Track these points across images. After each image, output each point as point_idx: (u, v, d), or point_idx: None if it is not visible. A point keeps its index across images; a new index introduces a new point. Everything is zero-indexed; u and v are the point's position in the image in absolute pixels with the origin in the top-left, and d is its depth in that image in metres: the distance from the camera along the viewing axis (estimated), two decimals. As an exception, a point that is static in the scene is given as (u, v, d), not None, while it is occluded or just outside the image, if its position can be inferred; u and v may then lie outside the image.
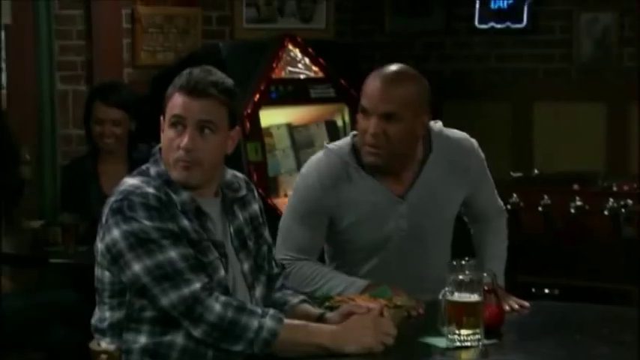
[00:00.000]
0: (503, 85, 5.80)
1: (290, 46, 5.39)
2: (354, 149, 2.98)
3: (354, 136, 3.00)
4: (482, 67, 5.91)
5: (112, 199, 2.48)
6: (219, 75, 2.49)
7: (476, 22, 5.77)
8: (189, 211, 2.49)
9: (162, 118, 2.52)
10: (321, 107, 5.52)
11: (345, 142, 3.03)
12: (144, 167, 2.56)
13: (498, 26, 5.65)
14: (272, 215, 4.34)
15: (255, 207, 2.69)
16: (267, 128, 5.25)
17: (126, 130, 4.44)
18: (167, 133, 2.49)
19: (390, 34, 6.31)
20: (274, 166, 5.24)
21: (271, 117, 5.26)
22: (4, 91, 5.62)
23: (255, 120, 5.11)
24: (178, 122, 2.46)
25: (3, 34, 5.45)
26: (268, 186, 5.12)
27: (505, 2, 5.60)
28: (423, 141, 2.99)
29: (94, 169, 4.43)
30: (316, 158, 3.04)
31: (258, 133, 5.11)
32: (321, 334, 2.43)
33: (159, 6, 5.53)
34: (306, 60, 5.44)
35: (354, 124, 5.49)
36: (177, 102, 2.46)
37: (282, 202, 5.11)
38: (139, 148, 4.39)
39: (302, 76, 5.41)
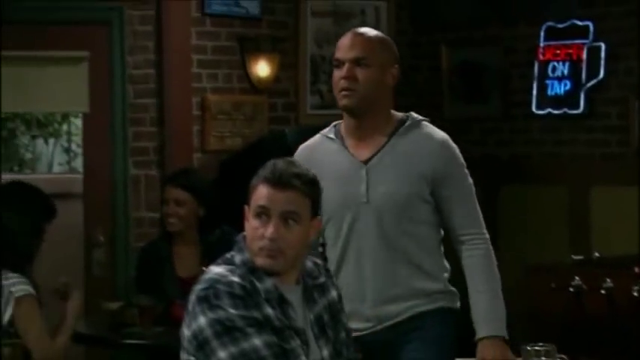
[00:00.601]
0: (561, 169, 5.71)
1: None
2: (335, 127, 3.17)
3: (335, 125, 3.19)
4: (540, 151, 5.85)
5: (199, 287, 2.50)
6: (302, 167, 2.54)
7: (533, 108, 5.72)
8: (272, 299, 2.50)
9: (246, 207, 2.55)
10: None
11: (329, 126, 3.23)
12: (228, 255, 2.58)
13: (555, 112, 5.60)
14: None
15: (334, 293, 2.69)
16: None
17: (191, 213, 4.46)
18: (252, 223, 2.52)
19: (448, 120, 6.29)
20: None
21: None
22: (80, 176, 5.77)
23: (320, 203, 5.14)
24: (263, 212, 2.50)
25: (81, 121, 5.62)
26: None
27: (562, 89, 5.56)
28: (397, 119, 3.14)
29: (169, 252, 4.47)
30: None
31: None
32: None
33: (227, 94, 5.61)
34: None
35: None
36: (262, 193, 2.50)
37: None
38: (213, 233, 4.44)
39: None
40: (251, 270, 2.51)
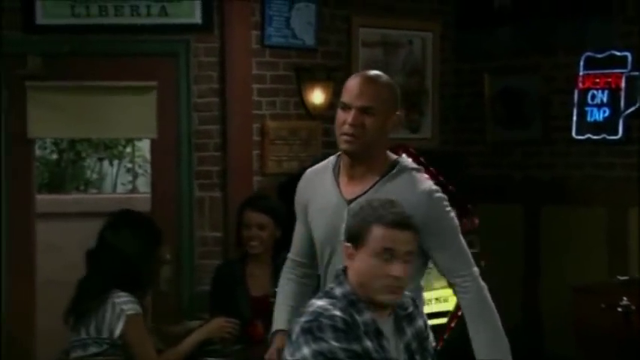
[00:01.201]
0: (599, 192, 5.78)
1: (403, 156, 5.50)
2: (338, 157, 3.14)
3: (339, 154, 3.14)
4: (579, 174, 5.92)
5: (303, 319, 2.58)
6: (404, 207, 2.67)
7: (573, 134, 5.80)
8: (370, 331, 2.58)
9: (350, 245, 2.66)
10: (431, 211, 5.60)
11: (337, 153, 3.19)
12: (328, 288, 2.70)
13: (595, 137, 5.68)
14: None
15: (420, 322, 2.78)
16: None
17: (271, 235, 4.51)
18: (372, 262, 2.60)
19: (490, 144, 6.39)
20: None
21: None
22: (142, 195, 5.88)
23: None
24: (388, 253, 2.59)
25: (144, 144, 5.71)
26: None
27: (601, 115, 5.64)
28: (388, 163, 3.08)
29: (242, 272, 4.52)
30: None
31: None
32: None
33: (284, 120, 5.67)
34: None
35: (460, 226, 5.62)
36: (383, 234, 2.59)
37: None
38: (282, 255, 4.50)
39: (413, 183, 5.52)
40: (351, 303, 2.60)
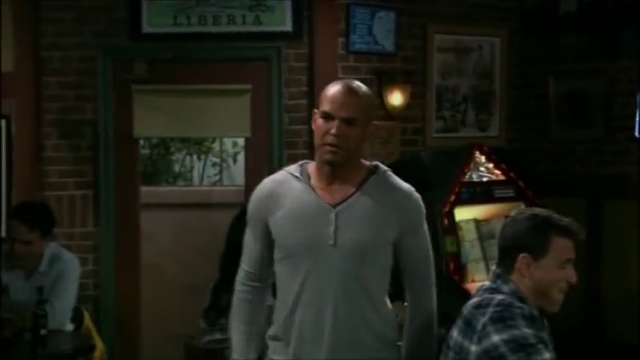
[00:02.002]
0: None
1: (477, 154, 5.62)
2: (302, 167, 2.98)
3: (301, 164, 3.01)
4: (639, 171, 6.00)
5: (491, 309, 2.63)
6: None
7: (635, 133, 5.86)
8: (536, 321, 2.67)
9: (529, 256, 2.71)
10: (502, 205, 5.64)
11: (296, 164, 3.04)
12: (492, 286, 2.76)
13: (657, 137, 5.76)
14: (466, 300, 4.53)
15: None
16: (458, 223, 5.44)
17: None
18: (556, 272, 2.69)
19: (554, 141, 6.46)
20: (464, 255, 5.41)
21: (462, 214, 5.44)
22: (229, 188, 6.03)
23: (451, 217, 5.27)
24: (569, 264, 2.70)
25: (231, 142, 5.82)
26: (461, 273, 5.31)
27: (663, 117, 5.73)
28: (367, 167, 2.97)
29: None
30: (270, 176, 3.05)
31: (453, 228, 5.27)
32: None
33: None
34: (490, 165, 5.67)
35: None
36: (568, 245, 2.69)
37: (472, 287, 5.32)
38: None
39: (485, 179, 5.61)
40: (520, 299, 2.67)
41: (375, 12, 5.75)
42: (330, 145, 2.82)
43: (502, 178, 5.63)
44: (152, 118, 5.53)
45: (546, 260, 2.66)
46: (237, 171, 7.46)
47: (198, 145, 7.71)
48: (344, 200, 2.84)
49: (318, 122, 2.89)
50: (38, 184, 5.49)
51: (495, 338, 2.54)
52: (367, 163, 3.00)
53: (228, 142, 7.74)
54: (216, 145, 7.78)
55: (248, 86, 5.57)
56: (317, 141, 2.88)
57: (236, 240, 4.11)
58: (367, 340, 2.87)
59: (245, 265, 3.03)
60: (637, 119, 5.84)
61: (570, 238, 2.67)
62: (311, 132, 5.50)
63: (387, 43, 5.84)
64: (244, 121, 5.57)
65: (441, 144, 6.05)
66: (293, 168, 2.98)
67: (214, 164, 7.83)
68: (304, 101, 5.59)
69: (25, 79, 5.46)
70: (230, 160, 7.74)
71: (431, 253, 2.98)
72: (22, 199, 5.20)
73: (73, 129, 5.50)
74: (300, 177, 2.91)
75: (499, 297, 2.65)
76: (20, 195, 5.43)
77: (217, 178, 7.80)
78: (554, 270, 2.65)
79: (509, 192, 5.62)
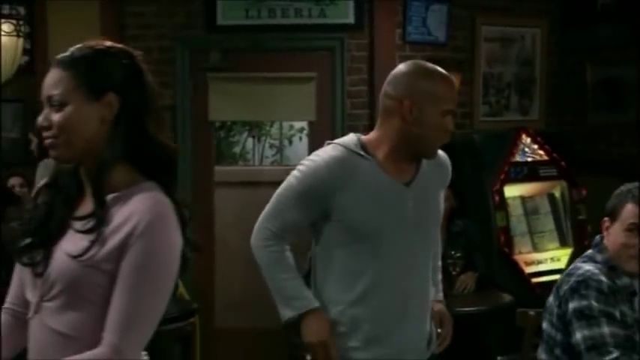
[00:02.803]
0: None
1: (524, 136, 5.80)
2: (360, 142, 2.68)
3: (358, 139, 2.72)
4: (671, 152, 6.13)
5: (574, 279, 2.75)
6: None
7: (668, 117, 6.01)
8: (627, 293, 2.74)
9: (607, 219, 2.82)
10: (546, 184, 5.85)
11: (349, 138, 2.74)
12: (590, 253, 2.85)
13: (689, 121, 5.90)
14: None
15: None
16: (507, 200, 5.61)
17: (450, 205, 4.69)
18: (622, 236, 2.77)
19: (591, 125, 6.60)
20: (512, 229, 5.58)
21: (510, 191, 5.62)
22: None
23: (502, 194, 5.48)
24: (636, 229, 2.75)
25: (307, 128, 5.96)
26: (510, 246, 5.49)
27: (696, 102, 5.87)
28: None
29: None
30: (324, 150, 2.72)
31: (503, 204, 5.47)
32: None
33: None
34: (535, 146, 5.84)
35: (570, 196, 5.87)
36: (634, 212, 2.76)
37: (519, 258, 5.51)
38: (455, 222, 4.70)
39: (530, 159, 5.78)
40: (611, 267, 2.77)
41: (428, 5, 5.89)
42: (443, 140, 2.66)
43: (546, 158, 5.82)
44: (226, 103, 5.72)
45: (617, 224, 2.77)
46: (292, 152, 7.65)
47: (258, 128, 7.89)
48: (412, 179, 2.68)
49: (440, 120, 2.61)
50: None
51: (569, 306, 2.70)
52: None
53: (285, 126, 7.92)
54: (273, 129, 7.96)
55: (313, 74, 5.72)
56: (432, 134, 2.61)
57: None
58: (424, 313, 2.77)
59: (272, 227, 2.69)
60: (669, 104, 5.99)
61: (635, 205, 2.74)
62: (371, 116, 5.81)
63: (440, 34, 5.97)
64: (310, 106, 5.73)
65: (487, 127, 6.20)
66: (352, 144, 2.66)
67: (271, 146, 8.01)
68: (364, 88, 5.74)
69: (110, 67, 5.66)
70: (286, 142, 7.93)
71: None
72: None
73: (154, 114, 5.69)
74: (365, 155, 2.64)
75: (585, 268, 2.76)
76: (106, 173, 5.63)
77: (275, 158, 7.99)
78: (619, 232, 2.76)
79: (552, 171, 5.83)
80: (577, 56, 6.60)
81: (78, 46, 1.97)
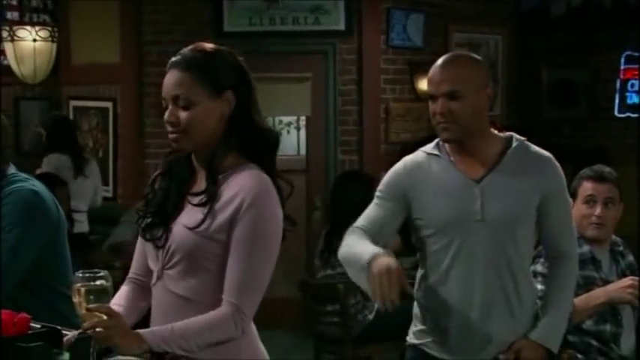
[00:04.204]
0: (633, 154, 6.22)
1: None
2: (438, 144, 2.51)
3: (438, 142, 2.52)
4: (618, 143, 6.42)
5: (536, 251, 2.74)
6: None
7: (615, 112, 6.32)
8: (587, 259, 2.84)
9: (572, 200, 2.79)
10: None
11: (431, 143, 2.55)
12: None
13: (633, 116, 6.21)
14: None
15: (631, 258, 2.98)
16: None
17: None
18: (581, 208, 2.88)
19: (545, 119, 6.89)
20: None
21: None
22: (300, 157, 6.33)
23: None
24: (591, 200, 2.86)
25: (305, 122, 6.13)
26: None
27: (639, 99, 6.19)
28: (502, 139, 2.54)
29: None
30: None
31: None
32: None
33: (402, 103, 6.08)
34: (501, 139, 6.08)
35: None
36: (588, 187, 2.89)
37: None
38: None
39: (497, 150, 6.01)
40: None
41: (408, 14, 6.11)
42: (439, 123, 2.43)
43: (510, 148, 6.06)
44: (232, 101, 5.84)
45: (577, 201, 2.88)
46: (281, 144, 7.74)
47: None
48: (487, 174, 2.44)
49: (429, 105, 2.48)
50: (140, 155, 5.87)
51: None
52: (500, 134, 2.56)
53: (275, 120, 8.04)
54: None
55: (309, 74, 5.91)
56: (433, 124, 2.50)
57: (340, 196, 4.48)
58: (500, 315, 2.46)
59: (359, 223, 2.53)
60: (616, 101, 6.31)
61: (589, 181, 2.87)
62: (360, 112, 6.01)
63: (418, 40, 6.18)
64: (306, 103, 5.93)
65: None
66: (429, 147, 2.52)
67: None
68: (354, 87, 5.93)
69: (129, 69, 5.84)
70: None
71: (571, 217, 2.58)
72: (127, 166, 5.57)
73: (168, 109, 5.85)
74: (440, 154, 2.48)
75: None
76: (124, 163, 5.81)
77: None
78: (578, 205, 2.86)
79: (516, 160, 6.07)
80: (534, 60, 6.91)
81: (188, 48, 2.06)
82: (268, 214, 1.91)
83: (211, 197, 1.92)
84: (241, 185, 1.90)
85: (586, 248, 2.87)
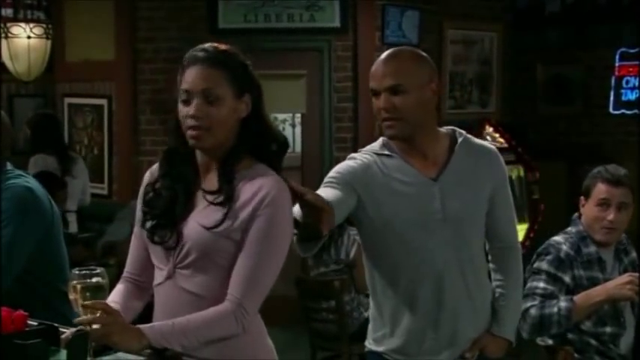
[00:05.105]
0: (628, 151, 6.25)
1: (487, 126, 6.09)
2: (385, 144, 2.42)
3: (384, 142, 2.44)
4: (612, 139, 6.48)
5: (542, 247, 2.89)
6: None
7: (610, 109, 6.35)
8: (592, 260, 2.85)
9: (582, 198, 2.88)
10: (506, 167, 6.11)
11: (374, 143, 2.47)
12: (568, 229, 2.92)
13: (628, 112, 6.24)
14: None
15: (634, 254, 2.99)
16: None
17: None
18: (593, 210, 2.86)
19: (540, 116, 6.93)
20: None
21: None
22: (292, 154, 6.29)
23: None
24: (605, 203, 2.83)
25: (300, 119, 6.11)
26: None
27: (634, 96, 6.21)
28: (446, 134, 2.44)
29: None
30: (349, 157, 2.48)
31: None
32: None
33: None
34: (496, 135, 6.12)
35: (526, 178, 6.17)
36: (602, 189, 2.85)
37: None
38: None
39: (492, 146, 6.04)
40: (582, 238, 2.86)
41: (403, 11, 6.10)
42: (385, 120, 2.35)
43: (505, 145, 6.09)
44: (227, 98, 5.84)
45: (590, 201, 2.85)
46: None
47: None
48: (441, 172, 2.39)
49: (373, 103, 2.38)
50: (134, 151, 5.87)
51: (533, 266, 2.89)
52: (443, 129, 2.47)
53: (271, 117, 8.02)
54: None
55: (304, 71, 5.89)
56: (378, 120, 2.41)
57: None
58: (466, 313, 2.44)
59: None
60: (610, 98, 6.34)
61: (608, 184, 2.80)
62: (355, 108, 6.01)
63: (413, 37, 6.14)
64: (301, 100, 5.92)
65: (453, 118, 6.41)
66: (376, 147, 2.44)
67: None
68: (349, 84, 5.93)
69: (123, 66, 5.83)
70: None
71: (514, 214, 2.54)
72: (122, 164, 5.56)
73: (162, 106, 5.82)
74: (391, 153, 2.40)
75: (554, 238, 2.92)
76: (119, 160, 5.80)
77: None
78: (591, 207, 2.85)
79: (511, 156, 6.05)
80: (528, 56, 6.96)
81: (209, 45, 2.04)
82: (283, 215, 1.92)
83: (229, 197, 1.93)
84: (260, 185, 1.92)
85: (593, 249, 2.87)
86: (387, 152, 2.39)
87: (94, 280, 1.79)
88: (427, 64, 2.39)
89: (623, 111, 6.30)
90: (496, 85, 6.90)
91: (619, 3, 6.40)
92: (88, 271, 1.80)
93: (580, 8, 6.69)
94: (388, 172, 2.37)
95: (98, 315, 1.77)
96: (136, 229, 2.08)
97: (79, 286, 1.78)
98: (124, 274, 2.14)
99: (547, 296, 2.80)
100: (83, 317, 1.78)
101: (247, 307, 1.90)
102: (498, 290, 2.49)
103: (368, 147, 2.46)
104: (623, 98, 6.28)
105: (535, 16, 6.94)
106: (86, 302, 1.77)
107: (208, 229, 1.92)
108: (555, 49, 6.80)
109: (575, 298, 2.74)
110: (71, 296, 1.79)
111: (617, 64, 6.32)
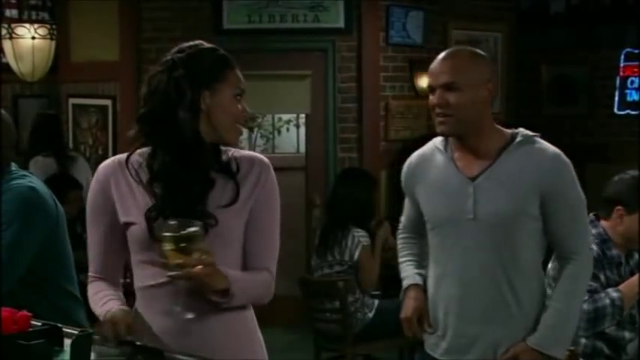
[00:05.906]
0: (632, 153, 6.28)
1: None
2: (446, 140, 2.48)
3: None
4: (617, 140, 6.46)
5: None
6: None
7: (615, 110, 6.33)
8: (614, 263, 2.88)
9: (623, 209, 2.89)
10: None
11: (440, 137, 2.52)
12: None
13: (633, 113, 6.22)
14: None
15: (637, 256, 3.00)
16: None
17: None
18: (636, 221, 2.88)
19: (545, 116, 6.90)
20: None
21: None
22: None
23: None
24: None
25: (304, 120, 6.09)
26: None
27: (639, 96, 6.18)
28: (506, 135, 2.46)
29: None
30: None
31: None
32: None
33: (401, 100, 6.07)
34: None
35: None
36: None
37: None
38: None
39: (496, 147, 6.02)
40: (603, 240, 2.88)
41: (408, 12, 6.10)
42: (437, 115, 2.40)
43: (509, 146, 6.07)
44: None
45: (635, 216, 2.81)
46: (281, 141, 7.84)
47: (251, 121, 8.07)
48: (482, 172, 2.38)
49: (429, 98, 2.46)
50: (139, 152, 5.85)
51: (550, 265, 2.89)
52: (508, 130, 2.49)
53: (275, 118, 8.08)
54: (263, 121, 8.13)
55: (309, 72, 5.89)
56: (432, 117, 2.47)
57: (342, 192, 4.47)
58: (496, 317, 2.41)
59: (404, 219, 2.69)
60: (615, 99, 6.32)
61: None
62: (359, 109, 6.00)
63: (417, 37, 6.16)
64: (306, 100, 5.92)
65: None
66: (439, 141, 2.50)
67: (262, 136, 8.19)
68: (354, 84, 5.93)
69: (128, 66, 5.83)
70: (276, 133, 8.09)
71: (582, 216, 2.47)
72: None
73: (166, 107, 5.84)
74: (444, 150, 2.46)
75: None
76: (124, 161, 5.78)
77: (265, 147, 8.17)
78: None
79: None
80: (533, 56, 6.93)
81: None
82: (276, 184, 2.10)
83: (228, 170, 2.04)
84: (252, 158, 2.09)
85: (615, 252, 2.88)
86: (441, 147, 2.47)
87: (192, 229, 1.86)
88: (484, 64, 2.46)
89: (627, 111, 6.28)
90: (500, 85, 6.86)
91: (624, 3, 6.38)
92: (183, 222, 1.86)
93: (585, 9, 6.66)
94: (434, 168, 2.46)
95: (196, 257, 1.85)
96: (98, 228, 2.08)
97: (173, 237, 1.85)
98: (90, 277, 2.11)
99: (592, 292, 2.77)
100: (189, 259, 1.84)
101: (274, 274, 2.08)
102: (546, 301, 2.44)
103: (436, 138, 2.53)
104: (628, 99, 6.26)
105: (540, 17, 6.92)
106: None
107: (226, 206, 2.00)
108: (560, 49, 6.78)
109: (621, 287, 2.75)
110: (166, 247, 1.85)
111: (621, 65, 6.29)
